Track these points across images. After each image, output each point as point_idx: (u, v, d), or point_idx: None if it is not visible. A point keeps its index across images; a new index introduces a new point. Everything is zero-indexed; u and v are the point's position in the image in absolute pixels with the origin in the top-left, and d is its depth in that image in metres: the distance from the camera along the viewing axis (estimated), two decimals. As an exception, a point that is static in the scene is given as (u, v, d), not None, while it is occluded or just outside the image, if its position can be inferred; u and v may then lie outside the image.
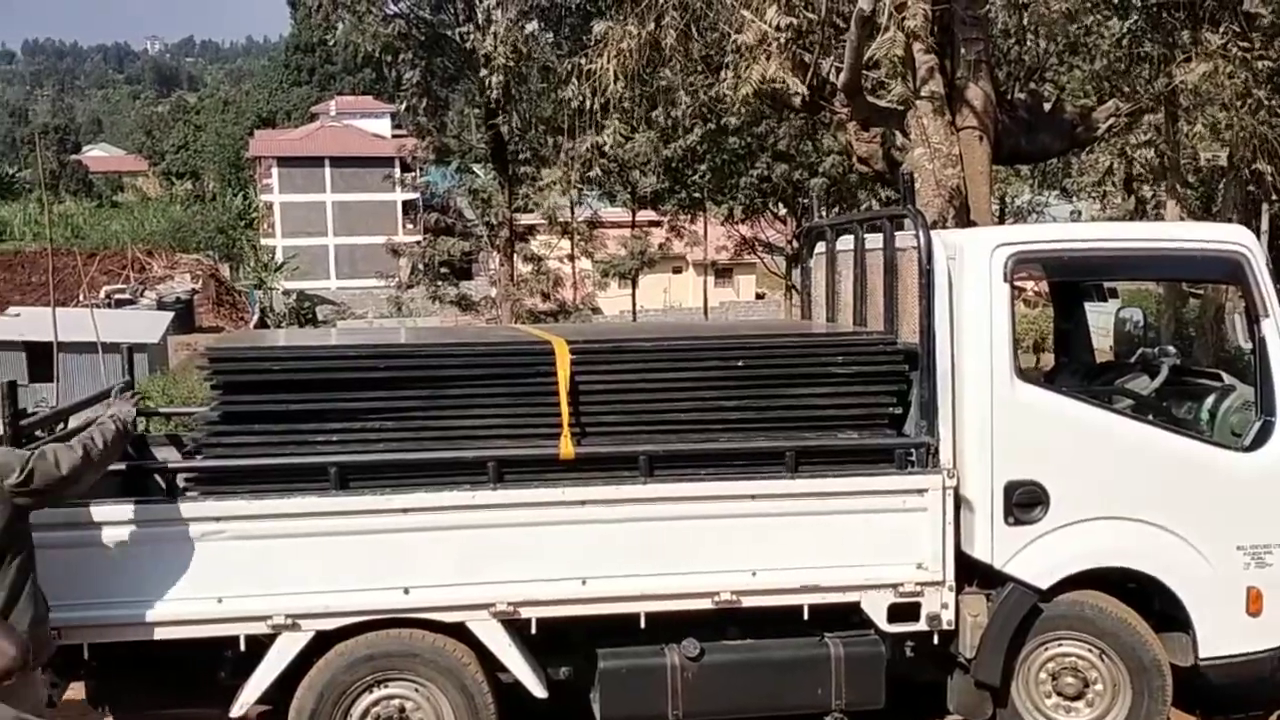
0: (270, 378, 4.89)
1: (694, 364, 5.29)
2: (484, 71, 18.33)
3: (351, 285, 55.38)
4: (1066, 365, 6.51)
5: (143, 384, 22.34)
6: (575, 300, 28.60)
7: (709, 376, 5.28)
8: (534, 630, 4.89)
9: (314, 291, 53.13)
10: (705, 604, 5.00)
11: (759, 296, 51.18)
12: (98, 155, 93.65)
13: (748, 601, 5.03)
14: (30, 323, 29.23)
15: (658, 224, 36.39)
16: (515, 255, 25.69)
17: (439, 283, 27.51)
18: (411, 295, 29.60)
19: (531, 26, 18.97)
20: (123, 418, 4.56)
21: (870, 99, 9.18)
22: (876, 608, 5.09)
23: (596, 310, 30.43)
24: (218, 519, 4.64)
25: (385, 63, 23.60)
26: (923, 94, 8.19)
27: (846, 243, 6.35)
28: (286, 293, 49.13)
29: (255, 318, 45.34)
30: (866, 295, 6.00)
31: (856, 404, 5.33)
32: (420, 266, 27.73)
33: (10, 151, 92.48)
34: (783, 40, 8.06)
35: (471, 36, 19.82)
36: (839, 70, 8.45)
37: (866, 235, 6.05)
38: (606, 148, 10.79)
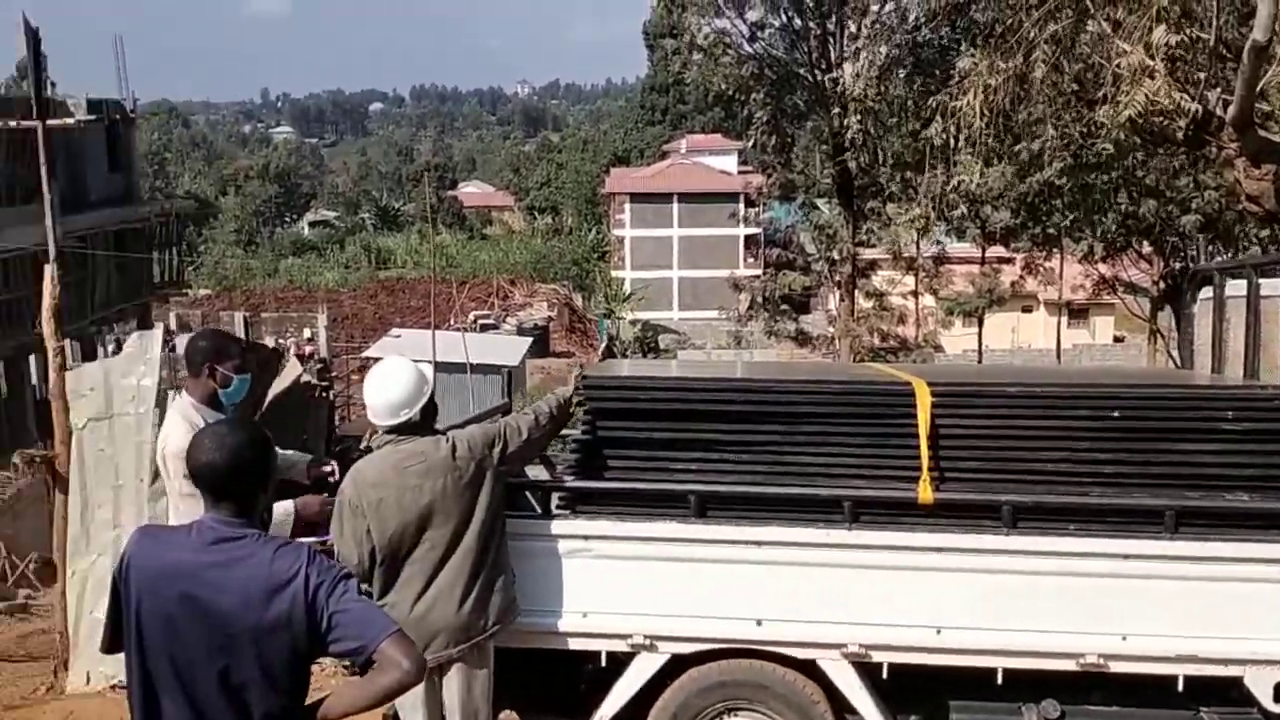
0: (637, 406, 5.11)
1: (1064, 412, 5.04)
2: (836, 109, 18.40)
3: (693, 317, 57.00)
4: None
5: (501, 402, 24.00)
6: (917, 338, 28.00)
7: (1080, 426, 5.01)
8: (885, 675, 4.80)
9: (658, 321, 55.15)
10: (1069, 665, 4.73)
11: (1117, 340, 48.00)
12: (471, 191, 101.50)
13: (1116, 667, 4.71)
14: (410, 343, 32.11)
15: (1008, 261, 34.98)
16: (856, 291, 25.50)
17: (777, 317, 27.78)
18: (750, 328, 30.06)
19: (888, 62, 18.85)
20: (565, 394, 5.06)
21: (1262, 133, 8.45)
22: (1262, 684, 4.62)
23: (939, 349, 29.65)
24: (586, 537, 4.90)
25: (737, 101, 24.22)
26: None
27: (1237, 288, 5.85)
28: (633, 322, 51.27)
29: (603, 345, 47.55)
30: (1260, 346, 5.51)
31: (1248, 464, 4.88)
32: (760, 300, 28.12)
33: (397, 187, 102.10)
34: (1169, 62, 7.59)
35: (825, 75, 19.98)
36: (1226, 103, 7.85)
37: (1262, 281, 5.56)
38: (970, 185, 10.54)
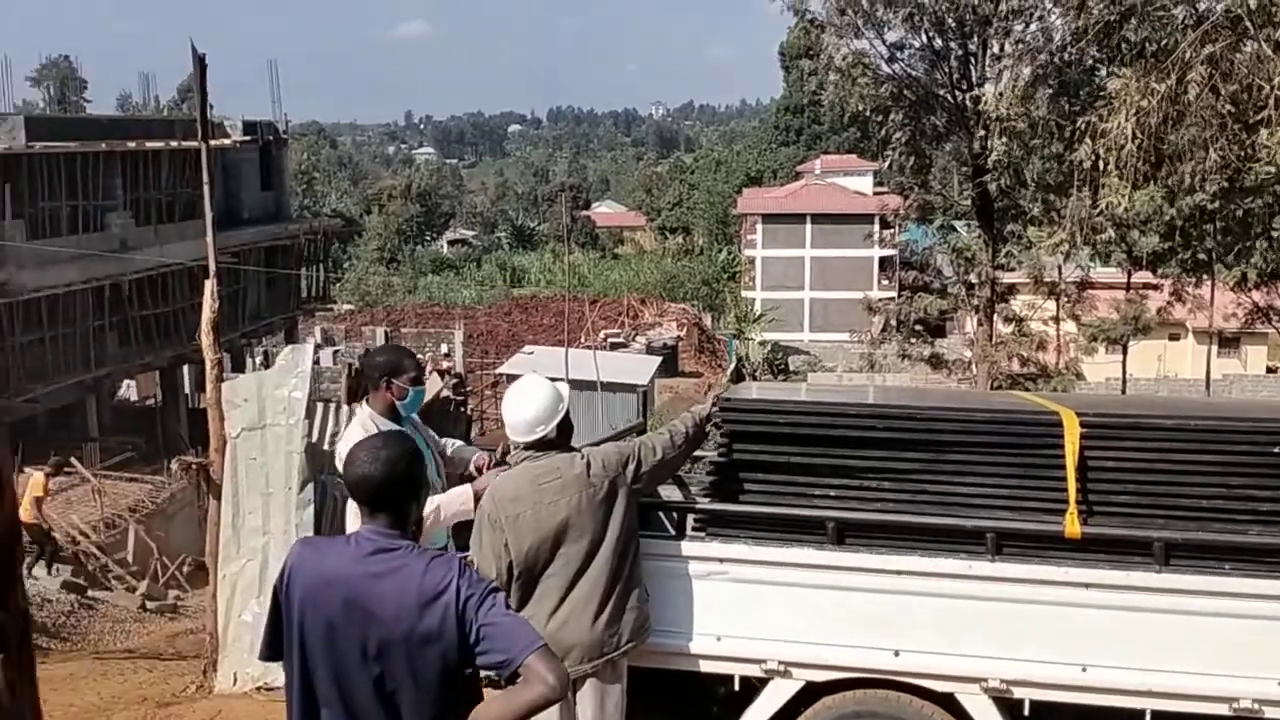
0: (775, 429, 5.09)
1: (1220, 446, 4.84)
2: (979, 130, 18.07)
3: (823, 338, 56.49)
4: None
5: (630, 422, 24.16)
6: (1057, 365, 27.18)
7: (1237, 461, 4.80)
8: (1027, 712, 4.68)
9: (788, 343, 54.79)
10: (1221, 709, 4.53)
11: (1270, 371, 45.81)
12: (604, 211, 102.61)
13: (1271, 713, 4.50)
14: (542, 360, 32.57)
15: (1155, 287, 33.74)
16: (995, 315, 24.93)
17: (912, 340, 27.31)
18: (883, 351, 29.62)
19: (1032, 82, 18.42)
20: (700, 414, 5.08)
21: None
22: None
23: (1080, 376, 28.68)
24: (721, 560, 4.90)
25: (874, 122, 23.97)
26: None
27: None
28: (762, 343, 51.02)
29: (732, 366, 47.43)
30: None
31: None
32: (894, 323, 27.68)
33: (532, 207, 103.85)
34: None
35: (966, 95, 19.65)
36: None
37: None
38: (1118, 209, 10.25)
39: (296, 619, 2.98)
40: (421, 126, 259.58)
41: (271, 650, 3.10)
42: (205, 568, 9.21)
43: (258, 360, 32.79)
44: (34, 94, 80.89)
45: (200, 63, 8.88)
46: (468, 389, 42.22)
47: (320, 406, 8.30)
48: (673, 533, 5.15)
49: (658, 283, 60.28)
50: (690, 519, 5.15)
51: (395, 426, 4.89)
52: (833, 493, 5.02)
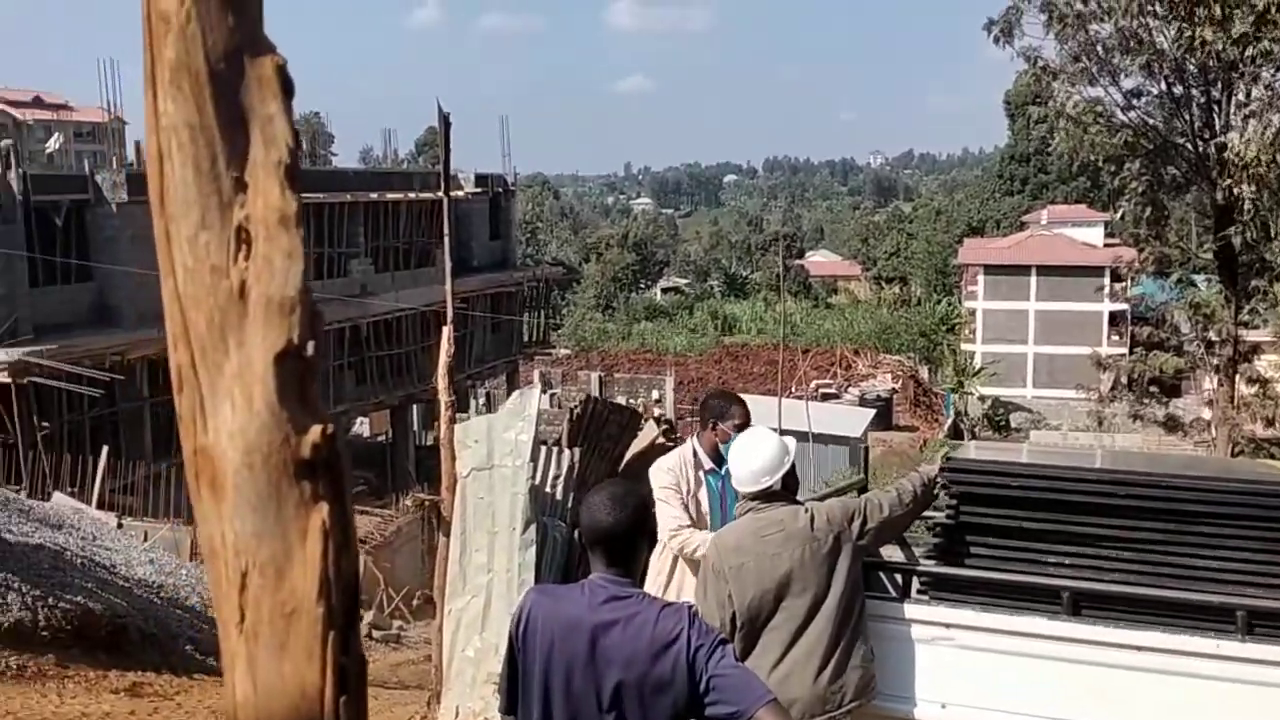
0: (1005, 493, 4.95)
1: None
2: (1223, 180, 17.12)
3: (1048, 395, 54.16)
4: None
5: (843, 475, 23.72)
6: (1309, 431, 25.22)
7: None
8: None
9: (1009, 399, 52.88)
10: None
11: None
12: (817, 260, 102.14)
13: None
14: (753, 409, 32.56)
15: None
16: (1237, 376, 23.42)
17: (1144, 400, 25.95)
18: (1112, 410, 28.21)
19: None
20: (930, 474, 5.04)
21: None
22: None
23: (1336, 444, 26.52)
24: (947, 625, 4.78)
25: (1106, 171, 23.05)
26: None
27: None
28: (981, 398, 49.45)
29: (949, 420, 46.15)
30: None
31: None
32: (1125, 381, 26.39)
33: (746, 256, 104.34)
34: None
35: (1209, 143, 18.67)
36: None
37: None
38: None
39: (538, 667, 3.05)
40: (640, 177, 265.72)
41: (510, 702, 3.17)
42: (432, 601, 9.60)
43: (480, 401, 34.15)
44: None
45: (445, 121, 9.41)
46: (677, 435, 42.64)
47: (543, 450, 8.56)
48: (896, 594, 5.06)
49: (872, 333, 59.41)
50: (915, 581, 5.05)
51: (711, 465, 5.56)
52: (1066, 561, 4.83)
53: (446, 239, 9.55)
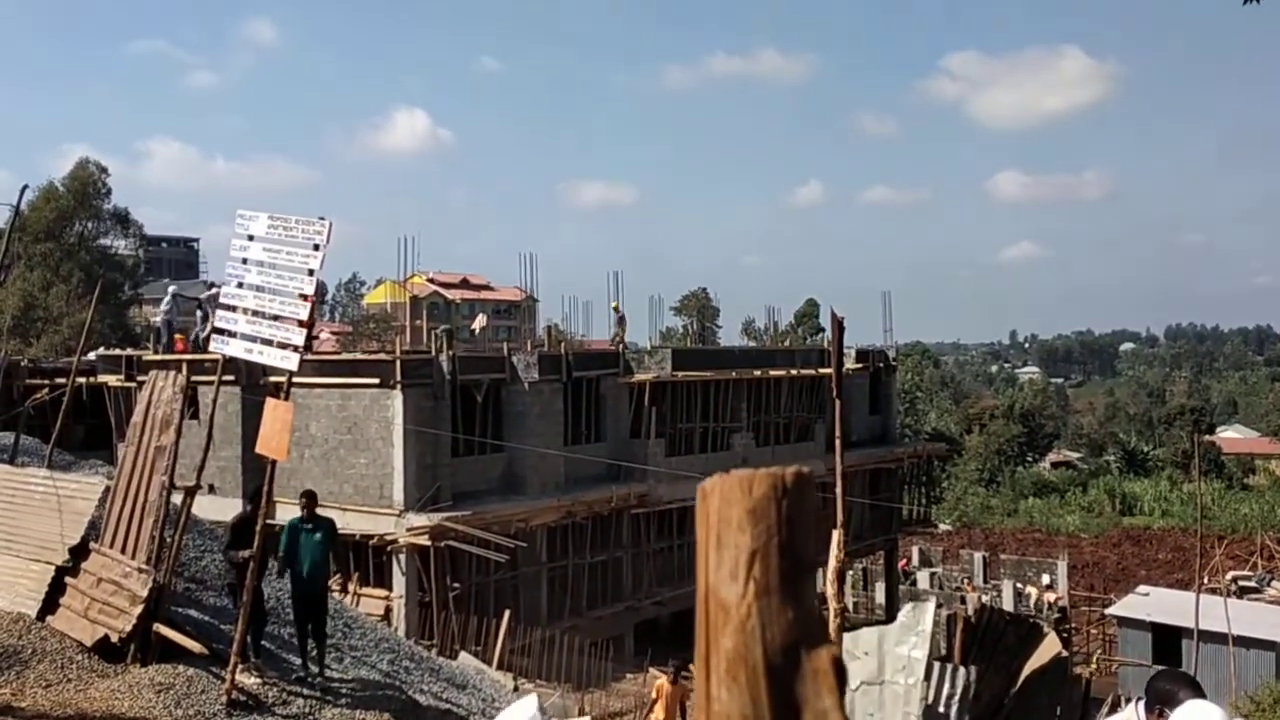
0: None
1: None
2: None
3: None
4: None
5: (1270, 689, 20.55)
6: None
7: None
8: None
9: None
10: None
11: None
12: (1230, 436, 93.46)
13: None
14: (1160, 602, 29.71)
15: None
16: None
17: None
18: None
19: None
20: None
21: None
22: None
23: None
24: None
25: None
26: None
27: None
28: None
29: None
30: None
31: None
32: None
33: (1146, 429, 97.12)
34: None
35: None
36: None
37: None
38: None
39: None
40: (1026, 345, 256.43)
41: None
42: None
43: (855, 574, 33.47)
44: (675, 321, 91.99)
45: (839, 326, 9.65)
46: (1070, 625, 39.58)
47: (937, 667, 8.25)
48: None
49: (1302, 520, 53.11)
50: None
51: None
52: None
53: (838, 419, 9.64)
